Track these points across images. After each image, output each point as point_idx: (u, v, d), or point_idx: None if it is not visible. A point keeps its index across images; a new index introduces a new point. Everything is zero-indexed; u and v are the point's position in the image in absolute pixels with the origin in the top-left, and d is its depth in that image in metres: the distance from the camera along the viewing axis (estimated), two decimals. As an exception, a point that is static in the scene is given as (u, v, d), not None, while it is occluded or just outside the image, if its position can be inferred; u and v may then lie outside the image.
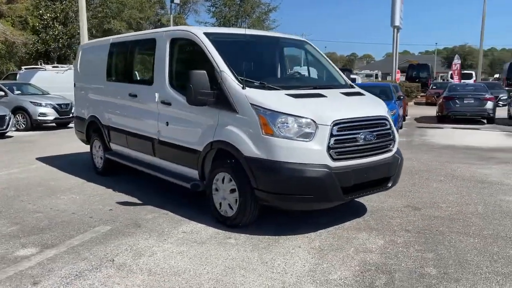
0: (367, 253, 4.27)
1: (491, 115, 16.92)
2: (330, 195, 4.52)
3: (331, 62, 6.38)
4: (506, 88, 28.05)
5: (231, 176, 4.87)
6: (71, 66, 16.85)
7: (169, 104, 5.68)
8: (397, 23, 29.31)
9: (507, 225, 5.10)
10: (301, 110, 4.56)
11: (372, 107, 5.24)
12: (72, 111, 13.70)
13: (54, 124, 15.20)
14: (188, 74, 4.90)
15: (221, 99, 4.89)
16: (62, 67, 18.22)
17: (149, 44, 6.25)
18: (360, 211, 5.59)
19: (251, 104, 4.63)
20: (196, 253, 4.25)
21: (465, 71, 40.26)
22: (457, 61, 33.33)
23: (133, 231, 4.87)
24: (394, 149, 5.18)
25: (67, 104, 15.04)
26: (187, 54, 5.83)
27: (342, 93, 5.40)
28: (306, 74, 6.29)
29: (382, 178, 5.04)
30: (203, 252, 4.28)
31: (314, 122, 4.47)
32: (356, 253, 4.26)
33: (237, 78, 4.88)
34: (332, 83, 5.83)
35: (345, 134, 4.63)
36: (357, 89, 5.79)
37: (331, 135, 4.50)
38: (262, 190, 4.55)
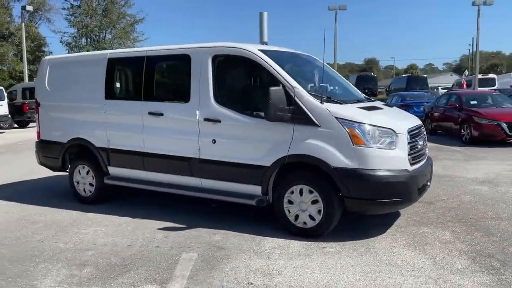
0: (452, 243, 4.91)
1: None
2: (412, 196, 5.05)
3: (342, 76, 6.94)
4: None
5: (311, 187, 5.05)
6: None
7: (217, 121, 5.55)
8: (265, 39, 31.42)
9: (502, 207, 6.28)
10: (381, 121, 5.02)
11: (411, 117, 5.96)
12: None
13: None
14: (267, 91, 4.95)
15: (297, 114, 5.04)
16: None
17: (178, 60, 6.02)
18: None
19: (336, 117, 4.91)
20: (317, 265, 4.37)
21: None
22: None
23: (226, 254, 4.70)
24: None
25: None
26: (239, 71, 5.78)
27: (383, 105, 6.00)
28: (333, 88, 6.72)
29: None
30: (323, 263, 4.41)
31: (394, 131, 4.97)
32: (445, 244, 4.86)
33: (310, 94, 5.11)
34: (358, 97, 6.36)
35: (414, 141, 5.24)
36: (377, 102, 6.44)
37: (408, 143, 5.05)
38: (355, 198, 4.86)
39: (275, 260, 4.50)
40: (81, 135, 6.87)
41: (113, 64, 6.57)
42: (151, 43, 41.88)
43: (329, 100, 5.17)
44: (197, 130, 5.71)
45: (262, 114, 5.25)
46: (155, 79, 6.34)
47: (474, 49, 48.13)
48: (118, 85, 6.80)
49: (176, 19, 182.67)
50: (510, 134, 12.24)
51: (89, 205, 6.78)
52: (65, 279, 4.16)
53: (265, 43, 32.52)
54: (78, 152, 7.05)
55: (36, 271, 4.36)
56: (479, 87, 31.44)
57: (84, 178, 6.92)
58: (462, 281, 3.95)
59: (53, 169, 7.67)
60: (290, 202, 5.21)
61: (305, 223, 5.14)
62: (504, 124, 12.29)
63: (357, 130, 4.85)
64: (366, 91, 40.42)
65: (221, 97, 5.61)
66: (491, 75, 35.95)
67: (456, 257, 4.50)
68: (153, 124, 6.10)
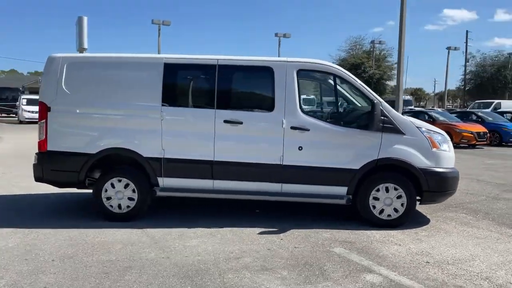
0: (475, 220, 6.64)
1: None
2: (457, 188, 6.58)
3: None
4: None
5: (397, 185, 6.09)
6: None
7: (305, 129, 6.05)
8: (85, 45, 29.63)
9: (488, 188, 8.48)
10: (439, 130, 6.42)
11: None
12: None
13: None
14: (373, 105, 5.83)
15: (386, 124, 6.03)
16: None
17: (257, 72, 6.24)
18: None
19: (417, 127, 6.12)
20: (444, 243, 5.45)
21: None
22: None
23: (366, 245, 5.32)
24: None
25: None
26: (324, 86, 6.32)
27: None
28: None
29: None
30: (442, 242, 5.51)
31: (447, 137, 6.44)
32: (473, 220, 6.55)
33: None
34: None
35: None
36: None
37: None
38: (432, 191, 6.12)
39: (416, 244, 5.38)
40: (123, 145, 6.19)
41: (172, 70, 6.22)
42: None
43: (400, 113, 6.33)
44: (282, 138, 6.06)
45: (350, 123, 6.08)
46: (231, 88, 6.32)
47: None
48: (180, 91, 6.42)
49: None
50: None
51: (123, 221, 6.14)
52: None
53: (84, 50, 30.74)
54: (115, 163, 6.30)
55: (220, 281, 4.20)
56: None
57: (119, 192, 6.21)
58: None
59: (62, 185, 6.55)
60: (375, 198, 6.11)
61: (389, 215, 6.12)
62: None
63: (433, 137, 6.15)
64: None
65: (307, 107, 6.13)
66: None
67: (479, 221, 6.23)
68: (229, 132, 6.10)
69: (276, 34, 41.85)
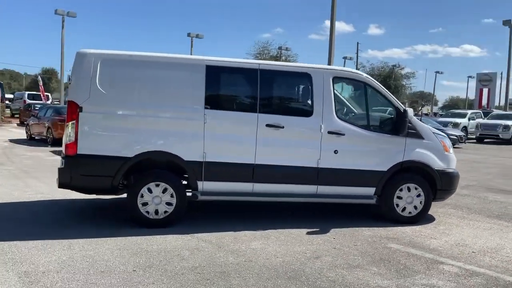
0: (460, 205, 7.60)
1: None
2: (456, 187, 7.45)
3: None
4: None
5: (417, 185, 6.73)
6: None
7: (341, 134, 6.42)
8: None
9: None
10: (444, 134, 7.23)
11: None
12: None
13: None
14: (404, 112, 6.41)
15: (410, 129, 6.65)
16: None
17: (297, 77, 6.45)
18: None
19: (433, 132, 6.84)
20: (462, 233, 6.19)
21: None
22: None
23: (421, 240, 5.84)
24: None
25: None
26: (355, 92, 6.68)
27: None
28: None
29: None
30: (470, 236, 6.25)
31: (449, 141, 7.28)
32: (466, 208, 7.50)
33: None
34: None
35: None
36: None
37: None
38: (443, 190, 6.87)
39: (446, 237, 6.02)
40: (163, 148, 5.96)
41: (214, 72, 6.13)
42: None
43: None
44: (319, 142, 6.36)
45: (379, 128, 6.62)
46: (273, 93, 6.41)
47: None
48: (223, 95, 6.31)
49: None
50: None
51: (158, 227, 5.92)
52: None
53: None
54: (151, 167, 6.03)
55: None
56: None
57: (157, 197, 5.97)
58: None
59: (92, 192, 6.10)
60: (399, 197, 6.69)
61: (410, 212, 6.74)
62: None
63: (445, 141, 6.93)
64: None
65: (339, 113, 6.51)
66: None
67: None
68: (270, 136, 6.22)
69: (188, 34, 41.52)
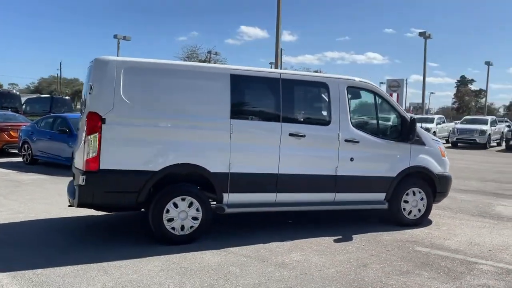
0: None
1: None
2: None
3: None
4: None
5: (421, 189, 7.10)
6: None
7: (356, 142, 6.59)
8: None
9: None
10: (438, 139, 7.70)
11: None
12: None
13: None
14: (412, 120, 6.74)
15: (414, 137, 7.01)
16: None
17: (315, 87, 6.52)
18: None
19: (432, 139, 7.27)
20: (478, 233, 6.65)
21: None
22: None
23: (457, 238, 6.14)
24: None
25: None
26: (365, 101, 6.84)
27: None
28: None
29: None
30: (475, 235, 6.71)
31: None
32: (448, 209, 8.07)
33: (414, 122, 7.21)
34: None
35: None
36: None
37: None
38: (442, 192, 7.32)
39: (456, 237, 6.40)
40: (189, 160, 5.68)
41: (239, 82, 5.97)
42: None
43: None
44: (337, 150, 6.48)
45: (388, 136, 6.90)
46: (294, 102, 6.37)
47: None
48: (247, 104, 6.13)
49: None
50: None
51: (182, 243, 5.62)
52: (437, 282, 4.68)
53: None
54: (171, 181, 5.70)
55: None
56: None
57: (183, 212, 5.68)
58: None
59: (115, 210, 5.65)
60: (405, 201, 7.01)
61: (415, 215, 7.09)
62: None
63: (441, 147, 7.39)
64: (10, 109, 36.11)
65: (353, 121, 6.67)
66: None
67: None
68: (292, 145, 6.20)
69: (115, 36, 39.83)
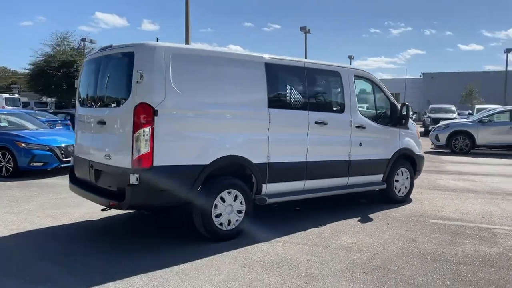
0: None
1: None
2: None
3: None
4: None
5: (406, 169, 7.83)
6: None
7: (363, 127, 7.01)
8: None
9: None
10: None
11: None
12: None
13: None
14: (407, 106, 7.40)
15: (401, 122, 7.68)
16: None
17: (331, 76, 6.72)
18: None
19: (412, 123, 8.06)
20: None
21: None
22: None
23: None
24: None
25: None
26: (365, 89, 7.21)
27: None
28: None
29: None
30: (472, 205, 7.62)
31: (412, 130, 8.62)
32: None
33: (400, 109, 7.88)
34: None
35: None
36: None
37: None
38: (419, 170, 8.17)
39: (457, 206, 7.23)
40: (234, 152, 5.46)
41: (272, 71, 5.86)
42: None
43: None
44: (350, 136, 6.83)
45: (384, 121, 7.47)
46: (317, 90, 6.45)
47: None
48: (281, 93, 5.99)
49: None
50: None
51: (227, 240, 5.42)
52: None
53: None
54: (216, 175, 5.42)
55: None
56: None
57: (230, 206, 5.47)
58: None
59: (166, 210, 5.09)
60: (396, 181, 7.68)
61: (403, 193, 7.81)
62: None
63: (418, 130, 8.22)
64: None
65: (360, 109, 7.08)
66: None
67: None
68: (317, 133, 6.35)
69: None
